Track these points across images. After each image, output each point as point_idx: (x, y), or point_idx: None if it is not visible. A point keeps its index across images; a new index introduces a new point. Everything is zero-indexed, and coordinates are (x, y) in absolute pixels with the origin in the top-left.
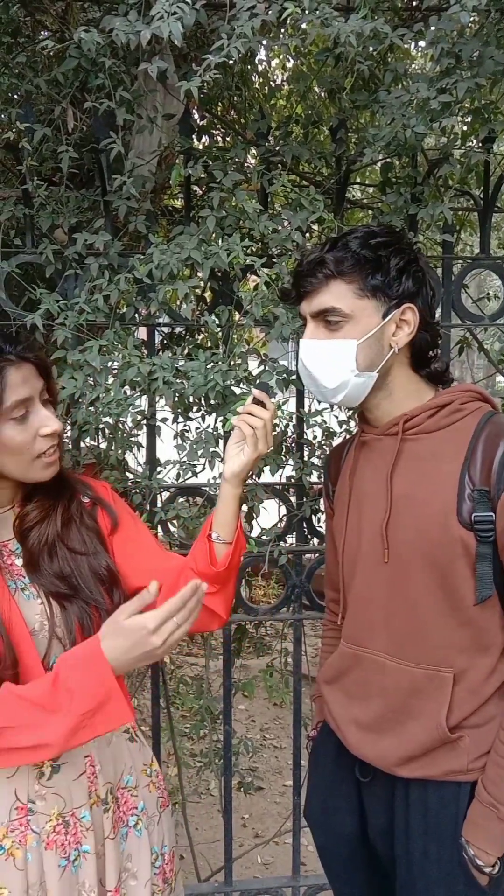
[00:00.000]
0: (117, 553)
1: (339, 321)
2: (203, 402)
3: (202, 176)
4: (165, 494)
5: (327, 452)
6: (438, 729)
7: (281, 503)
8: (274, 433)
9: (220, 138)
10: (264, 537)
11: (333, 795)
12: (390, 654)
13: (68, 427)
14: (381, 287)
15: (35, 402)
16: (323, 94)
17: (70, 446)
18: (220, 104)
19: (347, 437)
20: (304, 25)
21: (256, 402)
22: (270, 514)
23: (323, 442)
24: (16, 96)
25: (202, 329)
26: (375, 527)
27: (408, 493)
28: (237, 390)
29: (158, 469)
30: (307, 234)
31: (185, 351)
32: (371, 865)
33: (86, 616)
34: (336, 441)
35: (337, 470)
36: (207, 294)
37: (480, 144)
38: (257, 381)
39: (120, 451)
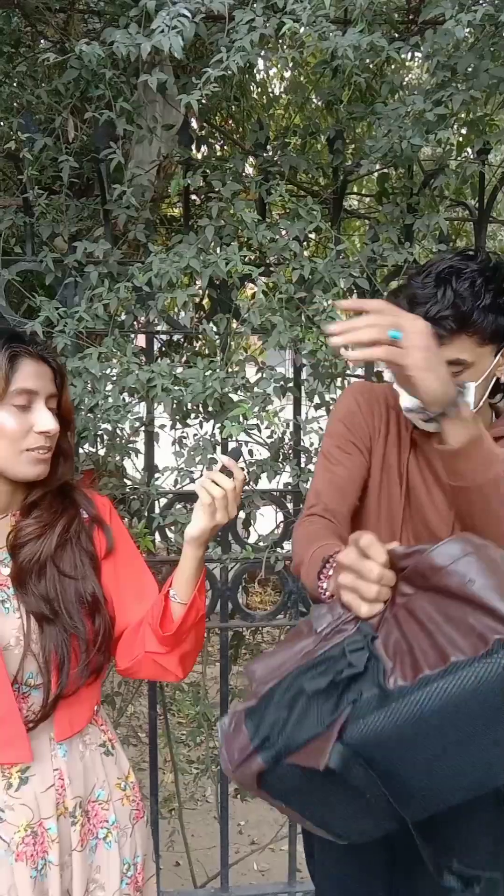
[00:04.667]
0: (106, 577)
1: (462, 370)
2: (201, 408)
3: (201, 185)
4: (163, 500)
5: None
6: None
7: (278, 509)
8: (271, 440)
9: (218, 148)
10: (261, 543)
11: (361, 859)
12: None
13: None
14: (499, 332)
15: (40, 400)
16: (321, 105)
17: None
18: (218, 114)
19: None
20: (301, 31)
21: (224, 469)
22: (267, 520)
23: (320, 448)
24: (16, 104)
25: (200, 337)
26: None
27: None
28: (235, 397)
29: (156, 475)
30: (304, 244)
31: (184, 358)
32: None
33: (62, 642)
34: None
35: (375, 424)
36: (206, 302)
37: (475, 155)
38: (230, 448)
39: (118, 458)
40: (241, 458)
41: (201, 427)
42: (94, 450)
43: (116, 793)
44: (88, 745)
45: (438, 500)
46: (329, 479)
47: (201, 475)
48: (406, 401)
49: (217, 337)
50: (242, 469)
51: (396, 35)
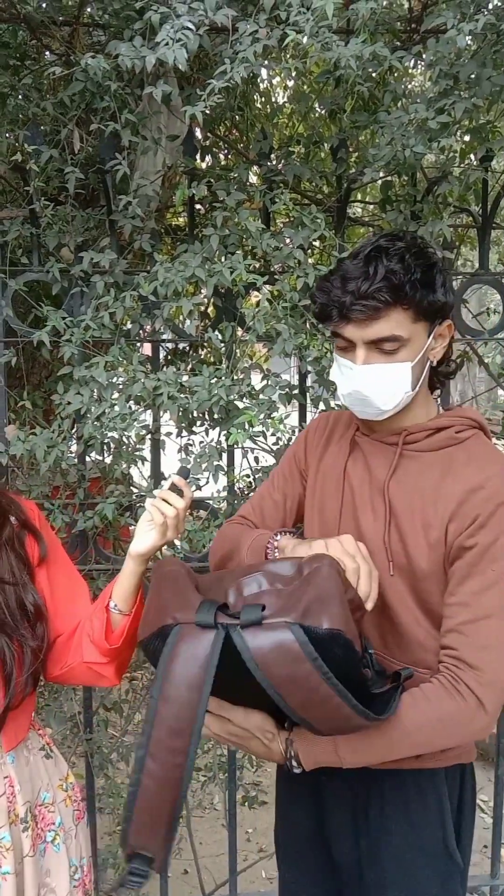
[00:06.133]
0: (40, 585)
1: (398, 347)
2: (207, 416)
3: (205, 195)
4: None
5: None
6: None
7: None
8: (277, 447)
9: (223, 158)
10: None
11: (293, 789)
12: (378, 648)
13: (73, 442)
14: (431, 309)
15: None
16: (324, 114)
17: (76, 460)
18: (222, 125)
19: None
20: (304, 42)
21: (173, 488)
22: None
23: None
24: (22, 117)
25: (206, 345)
26: (375, 536)
27: (401, 509)
28: (240, 405)
29: (163, 483)
30: (308, 252)
31: (189, 366)
32: (322, 866)
33: (8, 650)
34: None
35: (315, 445)
36: (211, 311)
37: (478, 162)
38: (179, 468)
39: (125, 466)
40: (190, 478)
41: (207, 434)
42: (101, 458)
43: (60, 794)
44: (31, 749)
45: (376, 502)
46: (259, 500)
47: (207, 482)
48: (344, 386)
49: (222, 345)
50: (192, 487)
51: (399, 44)
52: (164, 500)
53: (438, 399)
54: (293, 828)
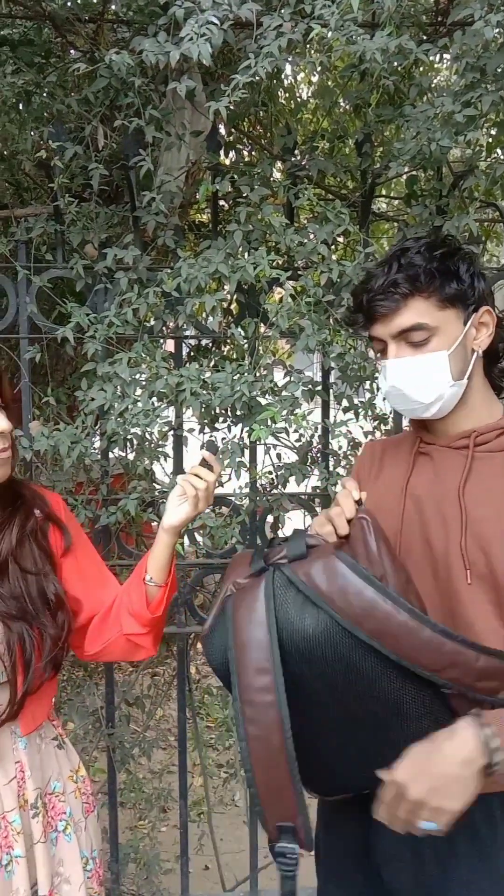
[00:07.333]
0: (65, 575)
1: (427, 336)
2: (229, 412)
3: (229, 191)
4: None
5: (353, 462)
6: None
7: (307, 513)
8: (300, 443)
9: (246, 154)
10: None
11: (337, 810)
12: None
13: (97, 438)
14: (457, 295)
15: None
16: (349, 109)
17: (99, 456)
18: (246, 120)
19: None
20: (329, 36)
21: (203, 463)
22: (296, 523)
23: (348, 452)
24: (47, 114)
25: (228, 341)
26: (449, 545)
27: (480, 514)
28: (263, 401)
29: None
30: (333, 247)
31: (212, 363)
32: (368, 887)
33: (28, 638)
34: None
35: (366, 474)
36: (234, 307)
37: None
38: (206, 443)
39: (147, 462)
40: (219, 451)
41: (229, 431)
42: (123, 454)
43: (70, 785)
44: (44, 738)
45: (449, 509)
46: None
47: (230, 479)
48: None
49: (245, 341)
50: (219, 460)
51: (425, 37)
52: (195, 475)
53: None
54: (337, 840)
